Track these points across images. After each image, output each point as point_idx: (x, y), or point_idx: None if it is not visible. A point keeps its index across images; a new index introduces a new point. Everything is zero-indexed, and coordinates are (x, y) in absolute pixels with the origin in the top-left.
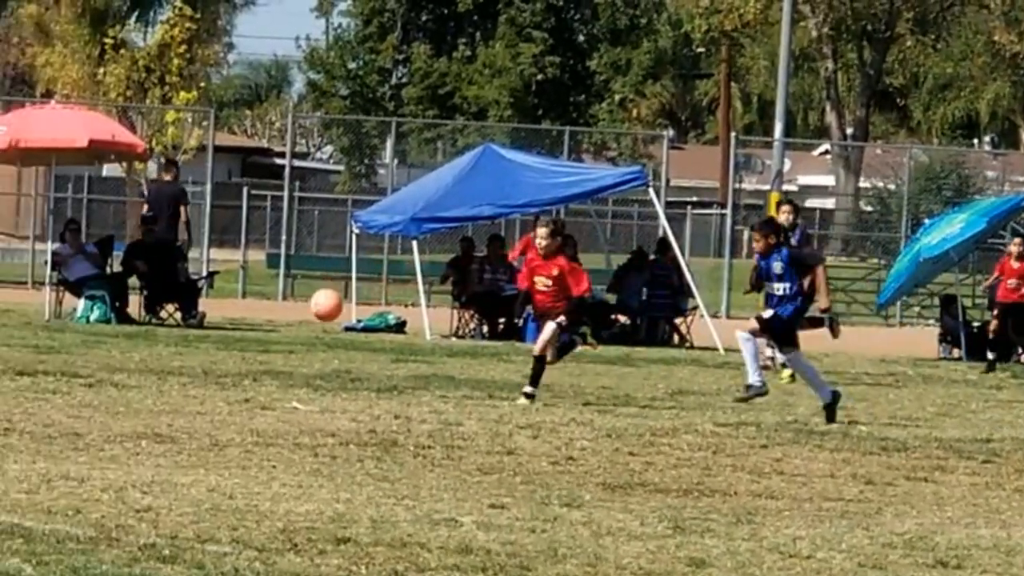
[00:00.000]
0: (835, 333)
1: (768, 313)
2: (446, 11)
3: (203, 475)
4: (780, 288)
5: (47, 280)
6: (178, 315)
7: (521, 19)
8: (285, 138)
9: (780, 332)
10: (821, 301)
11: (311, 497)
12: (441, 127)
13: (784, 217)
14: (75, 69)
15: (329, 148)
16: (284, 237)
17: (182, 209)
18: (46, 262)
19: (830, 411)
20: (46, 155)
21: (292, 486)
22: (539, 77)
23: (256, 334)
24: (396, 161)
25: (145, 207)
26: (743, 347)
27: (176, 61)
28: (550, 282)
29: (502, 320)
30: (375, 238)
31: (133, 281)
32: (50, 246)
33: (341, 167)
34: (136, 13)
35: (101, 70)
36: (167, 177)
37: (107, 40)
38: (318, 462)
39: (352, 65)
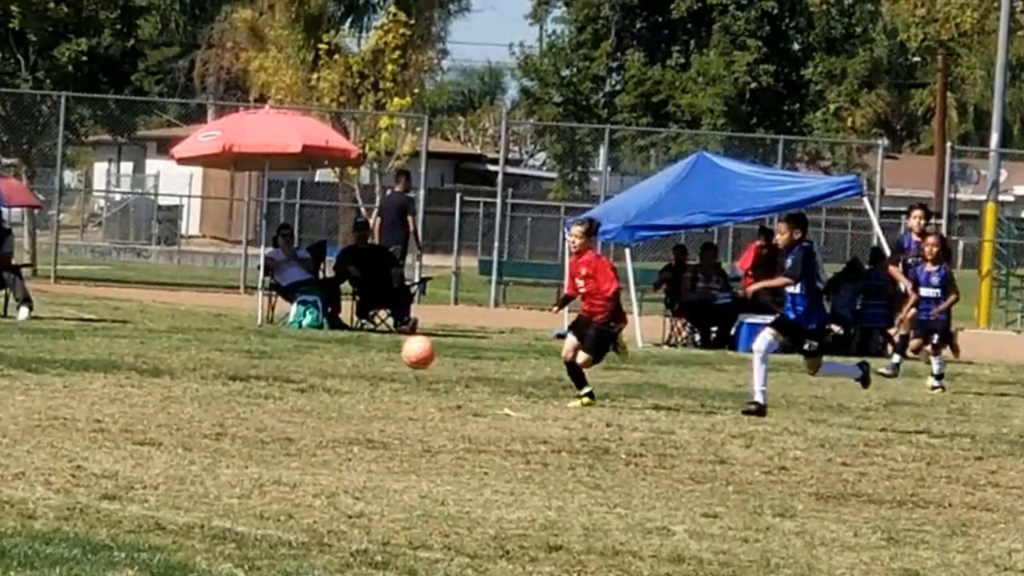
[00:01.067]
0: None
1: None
2: (660, 19)
3: (415, 481)
4: (794, 288)
5: (259, 285)
6: (390, 321)
7: (736, 27)
8: (498, 144)
9: (791, 331)
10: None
11: (523, 504)
12: (654, 135)
13: (915, 222)
14: (289, 74)
15: (542, 155)
16: (496, 243)
17: (409, 219)
18: (259, 267)
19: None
20: (260, 160)
21: (504, 493)
22: (753, 86)
23: (468, 340)
24: (609, 168)
25: (372, 212)
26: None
27: (390, 67)
28: (582, 282)
29: (715, 328)
30: None
31: (346, 286)
32: (263, 251)
33: (554, 174)
34: (351, 18)
35: (315, 75)
36: (398, 188)
37: (321, 45)
38: (530, 469)
39: (566, 72)
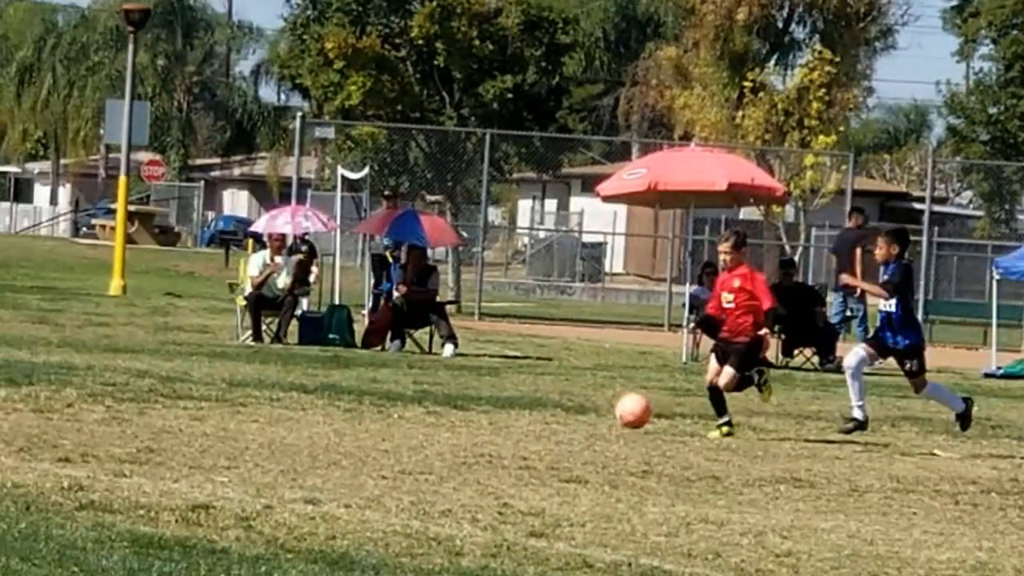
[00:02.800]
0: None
1: (902, 343)
2: None
3: (843, 520)
4: (888, 304)
5: (684, 323)
6: (815, 359)
7: None
8: (924, 183)
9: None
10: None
11: (953, 545)
12: None
13: None
14: (713, 112)
15: (968, 193)
16: (923, 282)
17: (858, 251)
18: (683, 304)
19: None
20: (685, 198)
21: (933, 533)
22: None
23: (893, 379)
24: None
25: (798, 250)
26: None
27: (815, 105)
28: (731, 296)
29: None
30: (1016, 284)
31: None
32: (687, 288)
33: (980, 212)
34: (775, 56)
35: (739, 113)
36: (850, 224)
37: (746, 83)
38: (959, 510)
39: (993, 110)
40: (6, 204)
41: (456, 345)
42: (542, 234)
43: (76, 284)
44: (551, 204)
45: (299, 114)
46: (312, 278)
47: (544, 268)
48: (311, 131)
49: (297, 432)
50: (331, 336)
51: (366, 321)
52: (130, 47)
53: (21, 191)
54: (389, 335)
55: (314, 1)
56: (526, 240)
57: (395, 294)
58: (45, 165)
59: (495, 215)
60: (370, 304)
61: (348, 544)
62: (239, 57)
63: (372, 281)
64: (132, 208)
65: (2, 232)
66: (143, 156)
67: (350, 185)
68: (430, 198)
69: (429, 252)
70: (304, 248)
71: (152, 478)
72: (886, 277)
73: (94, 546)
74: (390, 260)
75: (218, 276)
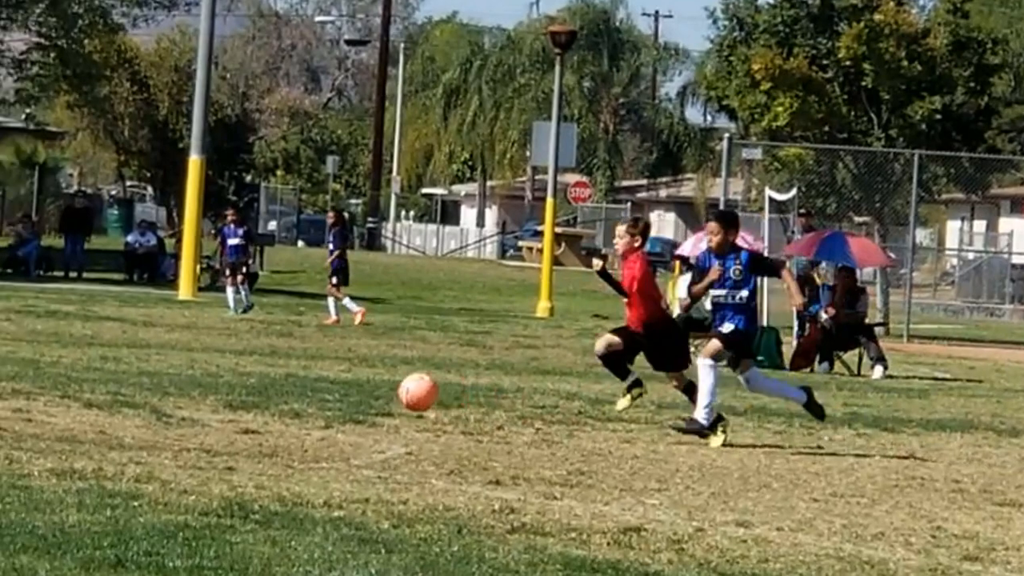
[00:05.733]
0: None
1: (727, 327)
2: None
3: None
4: (735, 296)
5: None
6: None
7: None
8: None
9: (742, 346)
10: (795, 300)
11: None
12: None
13: None
14: None
15: None
16: None
17: None
18: None
19: (813, 408)
20: None
21: None
22: None
23: None
24: None
25: None
26: (704, 376)
27: None
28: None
29: None
30: None
31: None
32: None
33: None
34: None
35: None
36: None
37: None
38: None
39: None
40: (433, 226)
41: (885, 367)
42: (971, 255)
43: (503, 306)
44: (980, 225)
45: (727, 135)
46: None
47: (973, 290)
48: (738, 152)
49: (727, 454)
50: (759, 358)
51: (794, 343)
52: (557, 69)
53: (448, 213)
54: (817, 357)
55: (741, 23)
56: (954, 261)
57: (823, 316)
58: (472, 187)
59: (923, 236)
60: (797, 326)
61: (781, 567)
62: (665, 79)
63: None
64: (559, 230)
65: (429, 254)
66: (570, 178)
67: (777, 206)
68: (857, 219)
69: (856, 273)
70: None
71: (583, 500)
72: (736, 268)
73: (527, 569)
74: (818, 282)
75: None
